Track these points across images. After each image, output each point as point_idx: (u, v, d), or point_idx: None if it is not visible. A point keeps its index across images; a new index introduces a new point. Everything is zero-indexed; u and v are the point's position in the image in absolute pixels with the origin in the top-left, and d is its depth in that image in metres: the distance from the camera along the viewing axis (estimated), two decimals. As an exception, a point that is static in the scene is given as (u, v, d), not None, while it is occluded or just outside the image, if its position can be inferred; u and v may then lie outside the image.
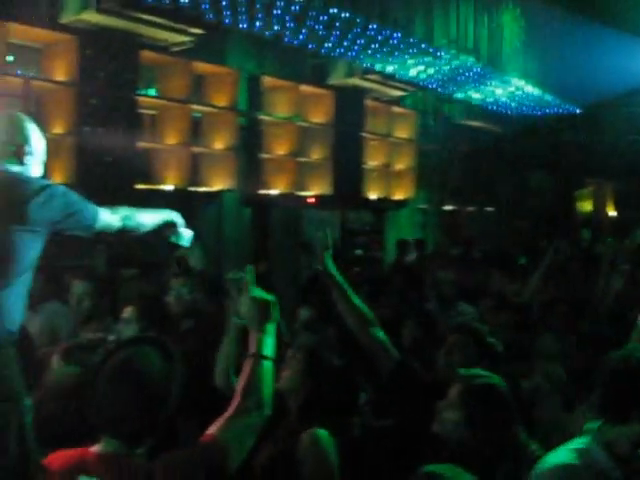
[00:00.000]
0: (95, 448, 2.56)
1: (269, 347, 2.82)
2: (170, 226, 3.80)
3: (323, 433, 3.38)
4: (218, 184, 9.88)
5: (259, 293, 2.91)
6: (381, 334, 3.71)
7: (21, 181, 3.28)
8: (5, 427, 2.95)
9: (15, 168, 3.34)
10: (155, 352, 2.61)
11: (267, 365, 2.78)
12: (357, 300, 3.71)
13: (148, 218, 3.71)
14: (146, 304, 5.22)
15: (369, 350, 3.75)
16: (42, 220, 3.18)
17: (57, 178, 7.60)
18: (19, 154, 3.39)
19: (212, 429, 2.63)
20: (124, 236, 3.66)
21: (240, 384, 2.75)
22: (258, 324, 2.84)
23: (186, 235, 3.86)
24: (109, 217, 3.48)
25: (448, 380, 3.51)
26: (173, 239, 3.85)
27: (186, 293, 5.72)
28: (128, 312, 5.07)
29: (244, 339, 3.51)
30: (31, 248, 3.20)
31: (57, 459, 2.57)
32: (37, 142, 3.50)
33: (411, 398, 3.43)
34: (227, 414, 2.67)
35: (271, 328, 2.86)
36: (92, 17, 8.06)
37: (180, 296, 5.72)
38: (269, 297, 2.91)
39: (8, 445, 2.95)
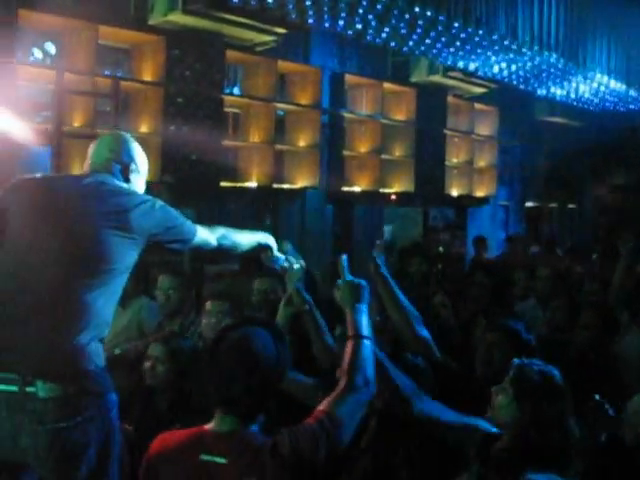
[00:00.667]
0: (210, 426, 2.62)
1: (365, 327, 2.95)
2: (264, 249, 3.84)
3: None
4: (301, 181, 9.85)
5: (352, 277, 3.14)
6: (425, 332, 3.67)
7: (125, 193, 3.40)
8: (90, 420, 2.99)
9: (120, 183, 3.46)
10: (267, 333, 2.66)
11: (367, 344, 2.88)
12: (402, 297, 3.68)
13: (244, 239, 3.77)
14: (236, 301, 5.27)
15: (411, 348, 3.69)
16: (141, 230, 3.26)
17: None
18: (125, 172, 3.52)
19: (323, 406, 2.68)
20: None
21: (345, 363, 2.82)
22: (352, 305, 3.00)
23: (279, 258, 3.85)
24: (206, 235, 3.55)
25: (487, 379, 3.54)
26: (267, 262, 3.87)
27: (270, 292, 5.65)
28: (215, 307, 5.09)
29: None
30: (128, 254, 3.26)
31: (172, 439, 2.66)
32: (142, 162, 3.64)
33: (448, 398, 3.34)
34: (337, 392, 2.73)
35: (364, 308, 3.02)
36: (179, 18, 8.09)
37: (265, 295, 5.65)
38: (361, 281, 3.12)
39: (90, 438, 3.00)
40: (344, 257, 3.25)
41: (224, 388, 2.56)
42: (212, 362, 2.61)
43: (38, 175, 3.51)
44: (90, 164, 3.53)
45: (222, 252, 3.78)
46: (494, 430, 3.05)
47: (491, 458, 2.96)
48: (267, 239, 3.86)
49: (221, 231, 3.62)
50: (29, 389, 2.96)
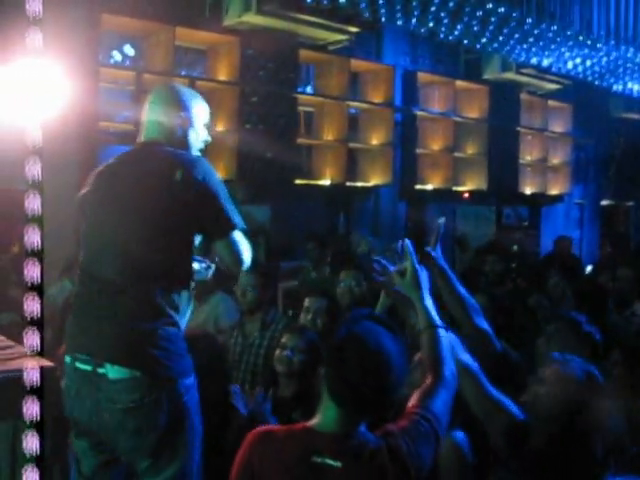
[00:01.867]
0: (317, 424, 2.51)
1: (435, 315, 2.85)
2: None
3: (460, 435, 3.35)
4: (374, 179, 9.93)
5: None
6: (484, 324, 3.64)
7: (174, 162, 3.23)
8: (155, 403, 3.06)
9: (170, 149, 3.31)
10: (388, 331, 2.54)
11: (443, 333, 2.81)
12: (462, 290, 3.61)
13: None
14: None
15: (472, 340, 3.71)
16: (194, 200, 3.15)
17: (220, 174, 7.81)
18: (176, 130, 3.38)
19: (417, 402, 2.59)
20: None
21: (428, 358, 2.76)
22: (419, 292, 2.91)
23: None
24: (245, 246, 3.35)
25: None
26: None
27: (355, 285, 5.77)
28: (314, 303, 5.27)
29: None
30: (188, 228, 3.23)
31: (275, 435, 2.53)
32: (195, 113, 3.46)
33: (510, 388, 3.37)
34: (428, 387, 2.64)
35: (427, 294, 2.93)
36: (253, 19, 8.24)
37: (349, 288, 5.78)
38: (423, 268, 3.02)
39: (155, 421, 3.07)
40: (408, 241, 3.08)
41: (355, 387, 2.41)
42: (340, 360, 2.46)
43: (100, 166, 3.45)
44: (143, 132, 3.44)
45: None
46: (520, 417, 3.03)
47: (528, 456, 2.94)
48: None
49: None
50: (100, 370, 3.08)
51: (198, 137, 3.48)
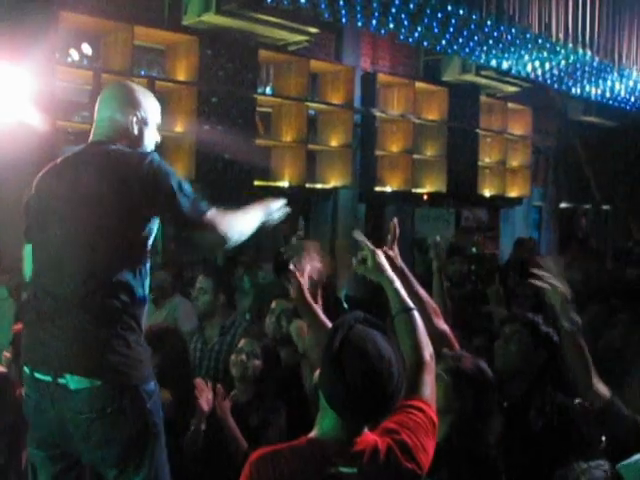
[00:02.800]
0: (320, 434, 2.46)
1: (407, 298, 2.83)
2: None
3: None
4: (333, 181, 9.98)
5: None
6: (443, 325, 3.64)
7: (127, 160, 3.20)
8: (120, 411, 3.04)
9: (123, 148, 3.26)
10: (382, 335, 2.49)
11: (416, 315, 2.78)
12: (422, 291, 3.58)
13: (248, 224, 3.48)
14: None
15: (432, 341, 3.77)
16: (150, 197, 3.13)
17: (179, 175, 7.80)
18: (130, 128, 3.33)
19: (404, 392, 2.55)
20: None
21: (405, 343, 2.72)
22: (386, 274, 2.90)
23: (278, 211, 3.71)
24: (222, 222, 3.28)
25: (505, 371, 3.70)
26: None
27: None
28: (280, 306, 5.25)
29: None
30: (143, 226, 3.18)
31: (282, 458, 2.42)
32: (148, 110, 3.42)
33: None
34: (413, 374, 2.62)
35: (394, 277, 2.92)
36: (212, 18, 8.27)
37: None
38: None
39: (121, 429, 3.06)
40: (357, 231, 3.10)
41: (358, 396, 2.37)
42: (339, 368, 2.40)
43: (49, 165, 3.37)
44: (93, 130, 3.38)
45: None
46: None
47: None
48: (268, 209, 3.61)
49: (231, 215, 3.37)
50: (61, 380, 3.05)
51: (151, 136, 3.46)
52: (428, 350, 2.70)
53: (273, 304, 5.32)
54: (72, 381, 3.02)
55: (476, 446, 3.02)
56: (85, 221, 3.11)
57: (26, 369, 3.19)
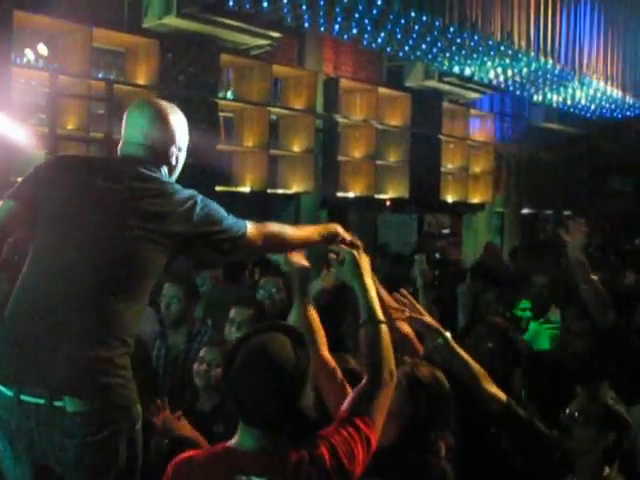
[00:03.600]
0: (236, 443, 2.47)
1: (378, 309, 2.79)
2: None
3: None
4: (295, 186, 9.94)
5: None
6: (408, 328, 3.68)
7: (161, 190, 3.03)
8: (117, 433, 2.92)
9: (156, 174, 3.10)
10: (286, 338, 2.46)
11: (385, 329, 2.74)
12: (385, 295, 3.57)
13: (296, 237, 3.27)
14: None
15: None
16: (178, 235, 2.99)
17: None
18: (163, 157, 3.15)
19: (347, 405, 2.57)
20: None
21: (366, 356, 2.71)
22: (360, 277, 2.87)
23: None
24: (258, 232, 3.15)
25: None
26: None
27: (276, 293, 5.76)
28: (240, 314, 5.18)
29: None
30: (158, 260, 3.03)
31: (196, 462, 2.48)
32: (183, 139, 3.25)
33: None
34: (363, 390, 2.61)
35: (371, 283, 2.89)
36: (173, 21, 8.20)
37: (271, 296, 5.77)
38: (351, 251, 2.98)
39: (117, 452, 2.94)
40: (337, 227, 3.13)
41: (244, 401, 2.41)
42: (229, 374, 2.45)
43: (78, 157, 3.25)
44: (122, 145, 3.17)
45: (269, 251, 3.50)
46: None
47: None
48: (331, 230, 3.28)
49: (272, 228, 3.23)
50: (57, 403, 2.88)
51: (182, 158, 3.28)
52: (388, 369, 2.66)
53: (232, 312, 5.27)
54: (70, 403, 2.87)
55: (422, 454, 2.99)
56: (109, 240, 2.95)
57: (7, 390, 2.95)
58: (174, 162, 3.20)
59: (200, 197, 3.06)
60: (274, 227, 3.21)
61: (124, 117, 3.20)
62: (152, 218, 2.95)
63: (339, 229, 3.27)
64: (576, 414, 3.22)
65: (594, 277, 4.36)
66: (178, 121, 3.22)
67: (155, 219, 2.96)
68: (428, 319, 3.56)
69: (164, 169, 3.15)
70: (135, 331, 3.06)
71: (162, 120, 3.17)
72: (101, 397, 2.89)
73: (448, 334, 3.49)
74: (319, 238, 3.28)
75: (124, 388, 2.95)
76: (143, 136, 3.13)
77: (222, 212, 3.09)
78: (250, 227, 3.11)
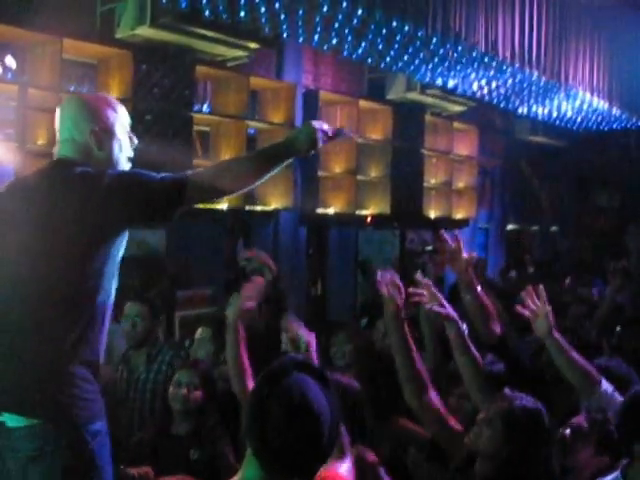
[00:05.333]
0: None
1: None
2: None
3: None
4: (274, 203, 9.87)
5: None
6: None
7: (88, 180, 3.06)
8: (60, 451, 2.92)
9: (86, 168, 3.11)
10: (315, 382, 2.35)
11: None
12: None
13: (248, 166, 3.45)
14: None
15: None
16: (115, 219, 3.04)
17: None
18: (95, 143, 3.18)
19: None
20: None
21: None
22: None
23: None
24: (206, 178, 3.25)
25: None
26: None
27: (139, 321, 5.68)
28: (200, 332, 5.33)
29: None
30: (104, 254, 3.07)
31: None
32: (112, 121, 3.25)
33: None
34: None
35: None
36: (147, 32, 8.12)
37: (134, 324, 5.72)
38: None
39: (60, 470, 2.93)
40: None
41: (280, 450, 2.26)
42: (261, 419, 2.29)
43: (7, 182, 3.28)
44: (56, 150, 3.26)
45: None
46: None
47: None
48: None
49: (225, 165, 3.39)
50: None
51: (123, 147, 3.28)
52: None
53: (199, 332, 5.28)
54: (10, 419, 2.91)
55: None
56: (48, 246, 2.98)
57: None
58: (101, 148, 3.19)
59: (119, 171, 3.13)
60: (217, 165, 3.42)
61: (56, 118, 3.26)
62: (83, 213, 2.97)
63: (315, 124, 3.44)
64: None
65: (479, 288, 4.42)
66: (99, 105, 3.24)
67: (87, 213, 2.97)
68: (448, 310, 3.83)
69: (98, 159, 3.17)
70: (93, 340, 3.05)
71: (77, 109, 3.23)
72: (42, 414, 2.90)
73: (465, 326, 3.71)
74: (294, 149, 3.48)
75: (73, 406, 2.95)
76: (65, 131, 3.20)
77: (143, 173, 3.11)
78: (193, 176, 3.19)
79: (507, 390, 3.27)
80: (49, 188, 3.07)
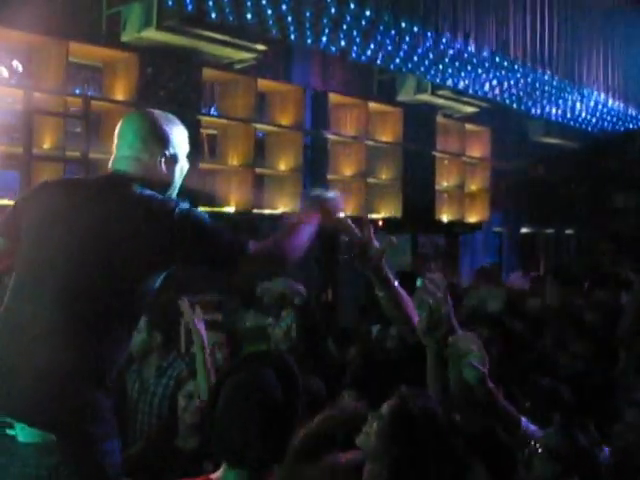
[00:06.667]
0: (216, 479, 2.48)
1: None
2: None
3: None
4: (283, 206, 9.96)
5: None
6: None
7: (149, 206, 3.01)
8: (74, 469, 2.86)
9: (145, 191, 3.06)
10: (273, 372, 2.46)
11: None
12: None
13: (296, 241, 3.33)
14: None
15: None
16: (169, 251, 3.00)
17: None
18: (156, 166, 3.15)
19: None
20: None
21: None
22: None
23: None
24: (260, 253, 3.18)
25: None
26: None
27: None
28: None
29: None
30: (149, 280, 3.06)
31: None
32: (179, 144, 3.24)
33: None
34: None
35: None
36: (153, 35, 8.25)
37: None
38: None
39: None
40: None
41: (230, 441, 2.40)
42: (214, 413, 2.45)
43: (60, 179, 3.31)
44: (113, 160, 3.20)
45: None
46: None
47: None
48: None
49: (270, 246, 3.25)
50: (9, 431, 2.86)
51: (182, 172, 3.29)
52: None
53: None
54: (22, 433, 2.84)
55: None
56: (90, 258, 2.95)
57: None
58: (167, 173, 3.18)
59: (192, 212, 3.05)
60: (273, 240, 3.25)
61: (117, 131, 3.22)
62: (129, 238, 2.94)
63: (323, 204, 3.43)
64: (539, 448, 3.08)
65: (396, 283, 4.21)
66: (170, 129, 3.21)
67: (141, 238, 2.94)
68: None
69: (156, 182, 3.13)
70: (116, 359, 3.03)
71: (150, 129, 3.18)
72: (57, 429, 2.84)
73: None
74: (312, 226, 3.37)
75: (90, 421, 2.90)
76: (130, 148, 3.14)
77: (216, 229, 3.09)
78: (252, 246, 3.11)
79: (403, 387, 3.14)
80: (111, 201, 3.04)
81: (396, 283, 3.72)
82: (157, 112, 3.31)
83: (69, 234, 2.99)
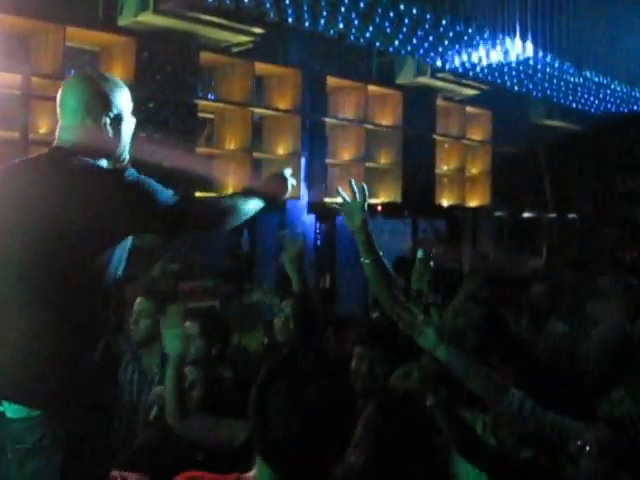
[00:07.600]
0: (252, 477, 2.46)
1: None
2: None
3: None
4: (280, 191, 10.00)
5: None
6: None
7: (96, 176, 3.13)
8: (58, 444, 2.95)
9: (93, 161, 3.15)
10: (324, 380, 2.40)
11: None
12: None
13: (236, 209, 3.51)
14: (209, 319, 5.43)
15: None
16: (122, 220, 3.10)
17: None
18: (102, 127, 3.20)
19: None
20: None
21: None
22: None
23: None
24: (205, 210, 3.39)
25: None
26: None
27: None
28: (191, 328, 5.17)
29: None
30: (109, 250, 3.14)
31: None
32: (121, 103, 3.28)
33: None
34: None
35: None
36: (149, 19, 8.33)
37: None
38: None
39: (58, 464, 2.96)
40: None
41: (278, 449, 2.31)
42: (259, 416, 2.36)
43: (4, 165, 3.29)
44: (59, 129, 3.27)
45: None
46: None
47: None
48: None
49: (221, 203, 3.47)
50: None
51: (128, 129, 3.35)
52: None
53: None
54: (10, 409, 2.94)
55: None
56: (47, 235, 3.03)
57: None
58: (114, 135, 3.25)
59: (136, 175, 3.18)
60: (213, 203, 3.57)
61: (58, 98, 3.28)
62: (80, 210, 3.03)
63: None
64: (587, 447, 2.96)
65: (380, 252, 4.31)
66: (110, 89, 3.27)
67: (83, 209, 3.03)
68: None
69: (108, 144, 3.23)
70: (94, 336, 3.09)
71: (90, 93, 3.22)
72: (41, 404, 2.93)
73: None
74: (263, 197, 3.69)
75: (75, 395, 2.98)
76: (73, 115, 3.21)
77: (160, 188, 3.21)
78: (191, 206, 3.30)
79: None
80: (58, 177, 3.11)
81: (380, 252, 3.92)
82: (95, 74, 3.43)
83: (24, 215, 3.08)
